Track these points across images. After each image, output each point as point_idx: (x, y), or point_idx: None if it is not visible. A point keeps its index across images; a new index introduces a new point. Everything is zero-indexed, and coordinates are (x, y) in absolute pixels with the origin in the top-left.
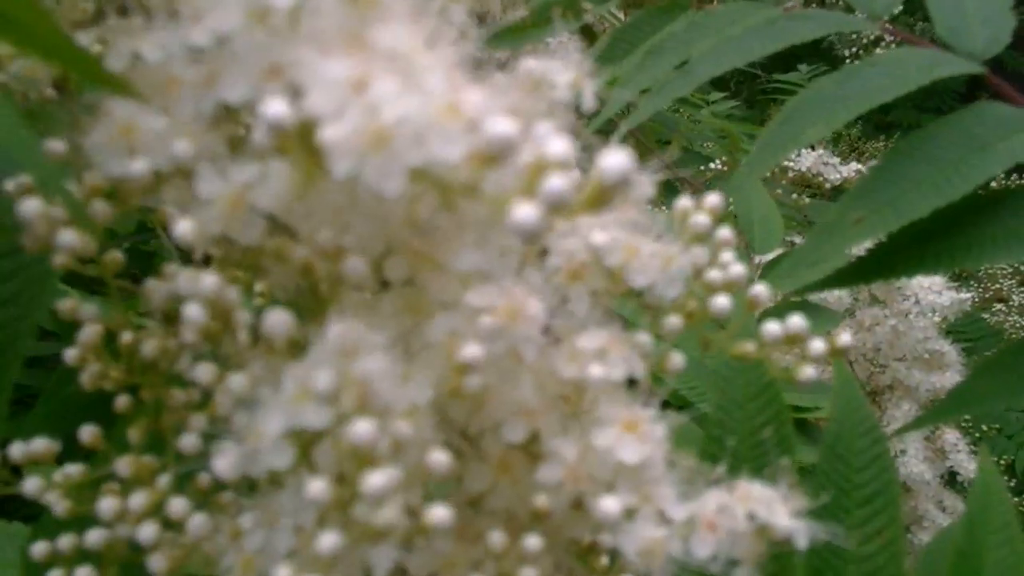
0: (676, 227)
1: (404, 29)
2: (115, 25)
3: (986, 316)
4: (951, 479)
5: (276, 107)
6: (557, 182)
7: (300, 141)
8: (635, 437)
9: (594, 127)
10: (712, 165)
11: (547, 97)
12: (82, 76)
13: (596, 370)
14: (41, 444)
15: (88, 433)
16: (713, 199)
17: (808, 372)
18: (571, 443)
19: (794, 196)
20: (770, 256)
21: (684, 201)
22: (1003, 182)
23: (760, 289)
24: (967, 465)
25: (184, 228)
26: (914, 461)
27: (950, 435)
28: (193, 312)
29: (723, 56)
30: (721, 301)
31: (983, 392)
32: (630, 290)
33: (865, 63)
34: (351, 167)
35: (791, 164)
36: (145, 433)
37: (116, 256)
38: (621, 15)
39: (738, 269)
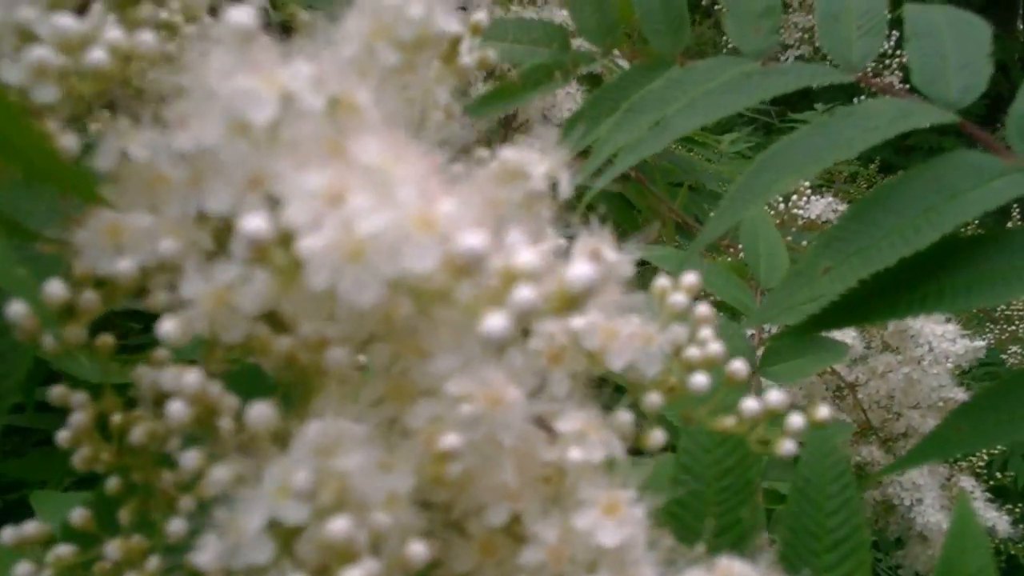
0: (655, 306)
1: (379, 141)
2: (104, 123)
3: (1004, 356)
4: None
5: (254, 223)
6: (525, 293)
7: (280, 250)
8: (615, 520)
9: (567, 191)
10: None
11: (524, 188)
12: (67, 190)
13: (575, 454)
14: (32, 527)
15: (79, 516)
16: (691, 278)
17: (788, 446)
18: (553, 525)
19: (804, 243)
20: None
21: (662, 280)
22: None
23: (739, 365)
24: (983, 513)
25: (167, 328)
26: (931, 510)
27: (965, 482)
28: (176, 410)
29: (697, 112)
30: (699, 380)
31: (960, 435)
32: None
33: (839, 114)
34: (327, 279)
35: (800, 212)
36: (136, 514)
37: (107, 340)
38: (626, 65)
39: (716, 347)
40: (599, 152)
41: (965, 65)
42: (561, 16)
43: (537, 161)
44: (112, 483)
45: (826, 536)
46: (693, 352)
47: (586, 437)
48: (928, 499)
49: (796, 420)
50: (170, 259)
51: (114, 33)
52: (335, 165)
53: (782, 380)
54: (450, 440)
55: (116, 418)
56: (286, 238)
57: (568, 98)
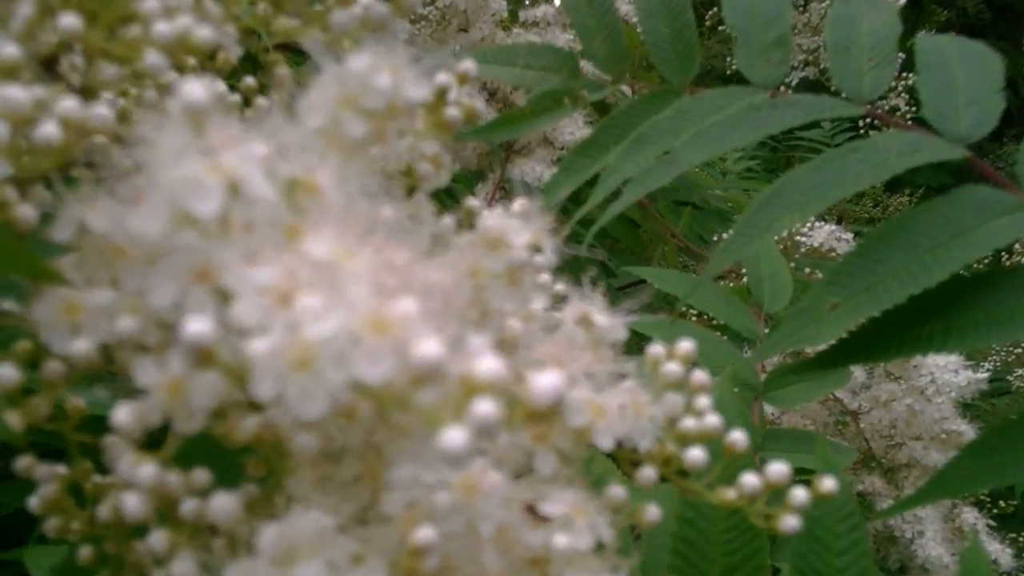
0: (648, 374)
1: (334, 230)
2: (61, 191)
3: (1011, 378)
4: None
5: (196, 327)
6: (485, 408)
7: (227, 351)
8: None
9: (551, 259)
10: (725, 235)
11: (506, 257)
12: (12, 269)
13: (561, 540)
14: None
15: None
16: (686, 345)
17: (791, 523)
18: None
19: (807, 270)
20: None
21: (655, 348)
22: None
23: (738, 436)
24: (986, 546)
25: (121, 418)
26: (932, 544)
27: (968, 514)
28: (131, 504)
29: (704, 145)
30: (696, 455)
31: (967, 475)
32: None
33: (845, 149)
34: (273, 388)
35: (803, 239)
36: None
37: (77, 406)
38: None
39: (714, 419)
40: (605, 182)
41: (976, 100)
42: (564, 39)
43: (519, 229)
44: (84, 552)
45: None
46: (689, 423)
47: (573, 522)
48: (930, 532)
49: (800, 494)
50: (130, 338)
51: (67, 104)
52: (288, 257)
53: (785, 405)
54: (424, 535)
55: (89, 486)
56: (234, 337)
57: (571, 121)
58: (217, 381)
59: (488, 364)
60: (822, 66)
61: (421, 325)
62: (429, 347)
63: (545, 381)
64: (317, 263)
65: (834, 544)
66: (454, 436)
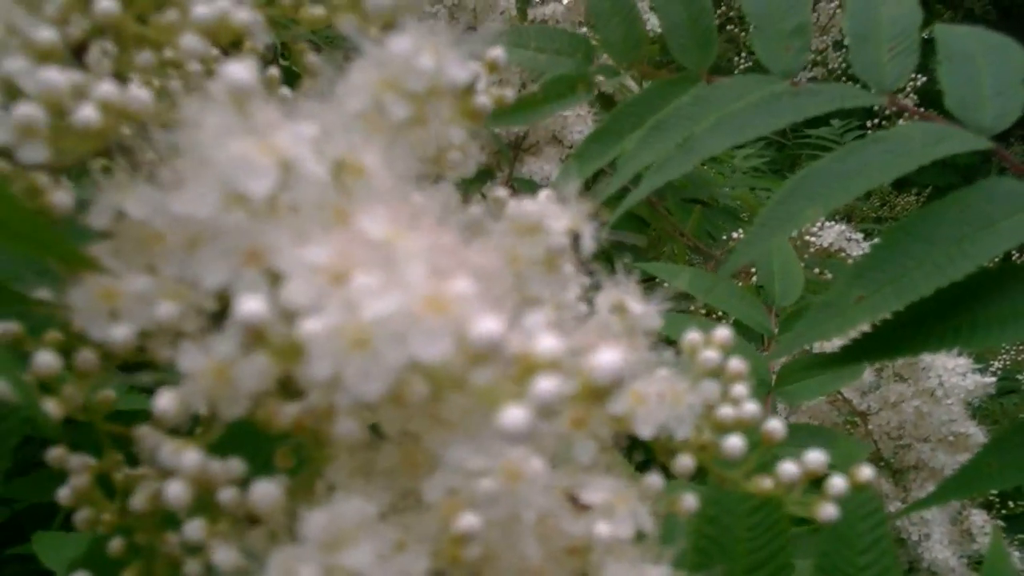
0: (685, 362)
1: (386, 209)
2: (99, 177)
3: (1020, 377)
4: (980, 563)
5: (251, 306)
6: (547, 385)
7: (279, 331)
8: None
9: (590, 246)
10: (735, 235)
11: (543, 243)
12: (48, 255)
13: (602, 528)
14: None
15: None
16: (723, 333)
17: (829, 511)
18: None
19: (816, 270)
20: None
21: (693, 335)
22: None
23: (775, 424)
24: None
25: (164, 404)
26: (939, 546)
27: (977, 516)
28: (174, 492)
29: (725, 133)
30: (733, 442)
31: (991, 471)
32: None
33: (869, 140)
34: (330, 368)
35: (813, 239)
36: None
37: (107, 396)
38: (636, 87)
39: (751, 407)
40: (624, 169)
41: (1002, 90)
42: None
43: (557, 214)
44: (115, 544)
45: (858, 575)
46: (726, 411)
47: (614, 510)
48: (936, 534)
49: (838, 483)
50: (169, 324)
51: (105, 87)
52: (339, 237)
53: (798, 400)
54: (468, 522)
55: (119, 476)
56: (286, 318)
57: (579, 120)
58: (266, 363)
59: (549, 342)
60: (831, 67)
61: (478, 304)
62: (489, 324)
63: (608, 357)
64: (372, 242)
65: (857, 542)
66: (515, 415)
